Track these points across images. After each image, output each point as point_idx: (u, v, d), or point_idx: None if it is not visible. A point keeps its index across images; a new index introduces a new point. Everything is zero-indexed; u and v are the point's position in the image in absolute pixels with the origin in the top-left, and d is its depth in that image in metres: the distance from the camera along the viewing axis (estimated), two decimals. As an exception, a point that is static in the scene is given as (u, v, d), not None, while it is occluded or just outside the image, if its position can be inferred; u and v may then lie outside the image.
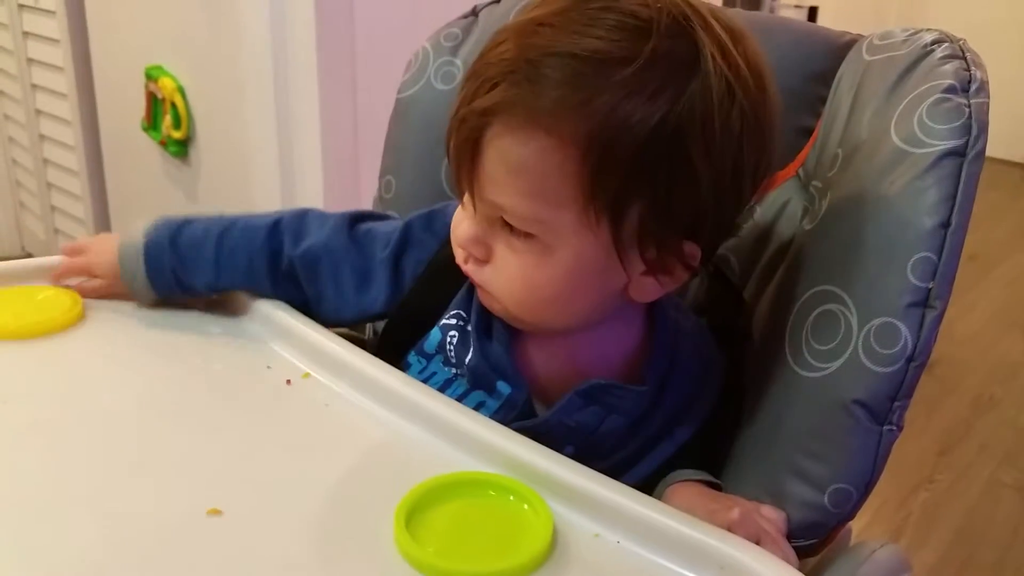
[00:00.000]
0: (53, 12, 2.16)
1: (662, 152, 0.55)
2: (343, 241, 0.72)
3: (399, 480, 0.52)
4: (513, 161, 0.56)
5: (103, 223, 2.32)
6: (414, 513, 0.50)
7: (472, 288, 0.66)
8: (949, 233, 0.58)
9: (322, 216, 0.74)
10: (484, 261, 0.61)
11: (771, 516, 0.59)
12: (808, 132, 0.75)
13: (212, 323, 0.72)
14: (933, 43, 0.66)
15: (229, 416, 0.61)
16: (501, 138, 0.56)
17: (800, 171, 0.75)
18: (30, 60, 2.34)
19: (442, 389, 0.67)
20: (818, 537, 0.61)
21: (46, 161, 2.45)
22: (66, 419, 0.59)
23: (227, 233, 0.72)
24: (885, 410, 0.58)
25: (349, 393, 0.62)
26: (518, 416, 0.65)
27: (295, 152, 1.62)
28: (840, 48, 0.75)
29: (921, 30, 0.69)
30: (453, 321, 0.68)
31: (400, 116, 0.87)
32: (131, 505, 0.51)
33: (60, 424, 0.59)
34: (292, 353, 0.67)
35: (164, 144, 1.91)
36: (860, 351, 0.59)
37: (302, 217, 0.74)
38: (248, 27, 1.58)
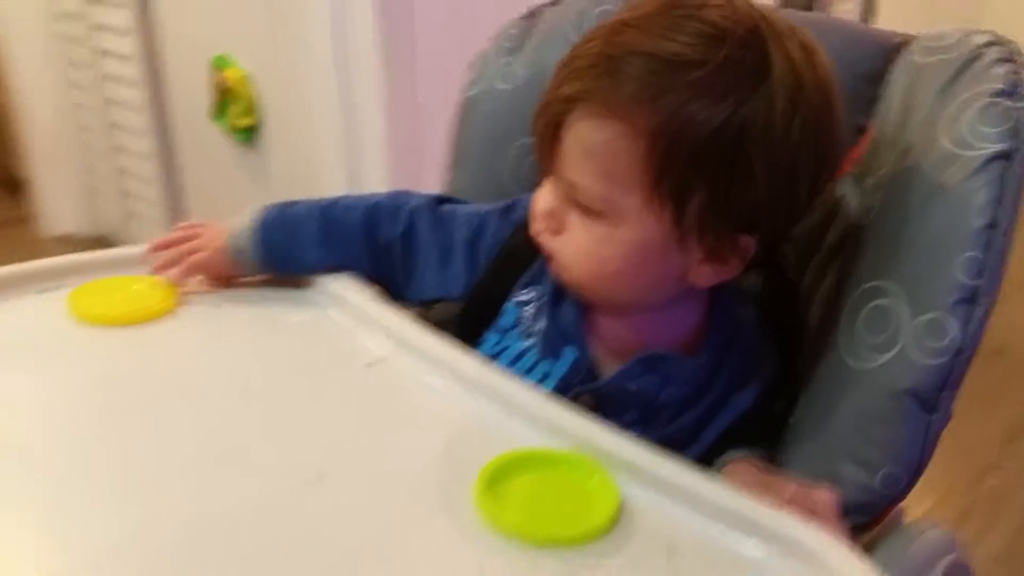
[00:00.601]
0: (123, 4, 2.24)
1: (723, 151, 0.59)
2: (429, 220, 0.77)
3: (480, 453, 0.57)
4: (589, 144, 0.62)
5: (175, 206, 2.40)
6: (493, 482, 0.54)
7: (545, 263, 0.71)
8: (996, 233, 0.61)
9: (415, 197, 0.79)
10: (557, 232, 0.67)
11: (824, 496, 0.62)
12: (861, 130, 0.77)
13: (296, 311, 0.78)
14: (985, 45, 0.69)
15: (319, 396, 0.66)
16: (580, 123, 0.62)
17: (855, 168, 0.78)
18: (101, 50, 2.41)
19: (513, 361, 0.72)
20: (869, 516, 0.65)
21: (119, 147, 2.53)
22: (166, 400, 0.65)
23: (330, 211, 0.78)
24: (934, 400, 0.62)
25: (430, 374, 0.67)
26: (582, 380, 0.70)
27: (360, 139, 1.67)
28: (891, 49, 0.78)
29: (973, 31, 0.72)
30: (527, 296, 0.74)
31: (464, 114, 0.92)
32: (238, 475, 0.57)
33: (161, 405, 0.64)
34: (374, 337, 0.72)
35: (232, 132, 1.98)
36: (911, 344, 0.62)
37: (396, 198, 0.79)
38: (310, 17, 1.64)
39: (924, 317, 0.62)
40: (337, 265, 0.78)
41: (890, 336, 0.63)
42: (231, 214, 2.03)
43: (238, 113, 1.94)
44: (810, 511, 0.59)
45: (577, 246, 0.66)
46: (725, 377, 0.70)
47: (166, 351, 0.72)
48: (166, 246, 0.80)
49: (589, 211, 0.64)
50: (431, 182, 0.96)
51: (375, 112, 1.62)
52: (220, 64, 1.94)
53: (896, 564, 0.61)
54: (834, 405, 0.67)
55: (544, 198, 0.67)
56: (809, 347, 0.72)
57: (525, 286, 0.74)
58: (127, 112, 2.42)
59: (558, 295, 0.72)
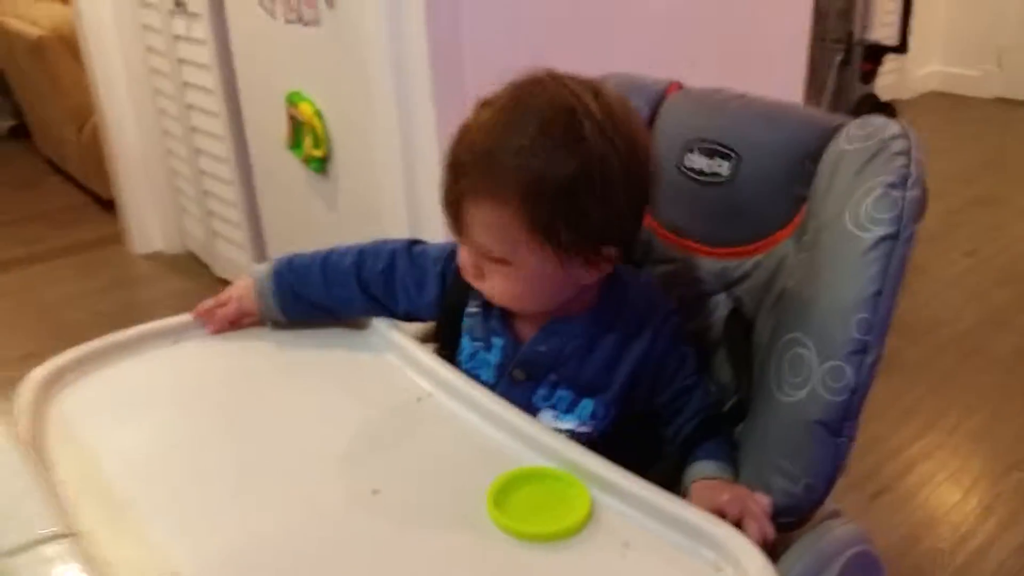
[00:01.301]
0: (204, 41, 2.44)
1: (565, 200, 0.81)
2: (406, 258, 1.00)
3: (491, 471, 0.78)
4: (481, 221, 0.84)
5: (254, 227, 2.60)
6: (500, 493, 0.75)
7: None
8: (883, 299, 0.80)
9: (393, 242, 1.02)
10: (479, 278, 0.89)
11: (760, 499, 0.82)
12: (801, 200, 0.95)
13: (361, 354, 1.00)
14: (891, 138, 0.86)
15: (377, 424, 0.88)
16: (472, 209, 0.84)
17: (795, 232, 0.96)
18: (185, 83, 2.63)
19: (469, 358, 0.96)
20: (796, 517, 0.84)
21: (202, 171, 2.74)
22: (262, 422, 0.88)
23: (328, 258, 1.01)
24: (838, 427, 0.82)
25: (459, 408, 0.88)
26: (510, 358, 0.93)
27: (416, 168, 1.85)
28: (830, 132, 0.94)
29: (888, 123, 0.89)
30: (472, 309, 0.96)
31: None
32: (315, 485, 0.79)
33: (258, 426, 0.87)
34: (421, 378, 0.94)
35: (306, 161, 2.16)
36: (819, 384, 0.82)
37: (378, 244, 1.02)
38: (374, 60, 1.81)
39: (828, 364, 0.81)
40: (336, 300, 1.01)
41: (805, 377, 0.83)
42: (305, 235, 2.30)
43: (310, 144, 2.11)
44: (741, 511, 0.79)
45: (496, 286, 0.88)
46: (619, 327, 0.91)
47: (262, 394, 0.94)
48: (207, 312, 1.02)
49: (497, 260, 0.85)
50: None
51: (430, 144, 1.80)
52: (294, 99, 2.12)
53: (808, 553, 0.80)
54: (767, 429, 0.86)
55: (464, 256, 0.89)
56: (756, 378, 0.92)
57: (471, 301, 0.97)
58: (210, 140, 2.62)
59: (487, 305, 0.94)
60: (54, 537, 0.48)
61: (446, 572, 0.70)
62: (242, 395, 0.94)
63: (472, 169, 0.83)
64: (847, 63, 3.34)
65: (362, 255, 1.01)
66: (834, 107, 3.38)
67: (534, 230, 0.82)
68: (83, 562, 0.47)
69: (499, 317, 0.95)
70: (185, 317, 1.02)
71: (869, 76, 3.31)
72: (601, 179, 0.82)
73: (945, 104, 4.88)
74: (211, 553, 0.71)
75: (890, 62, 4.21)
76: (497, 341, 0.94)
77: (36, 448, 0.77)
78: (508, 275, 0.86)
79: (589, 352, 0.91)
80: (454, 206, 0.86)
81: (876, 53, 3.30)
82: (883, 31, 3.48)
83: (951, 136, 4.26)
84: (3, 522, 0.49)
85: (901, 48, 3.26)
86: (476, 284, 0.90)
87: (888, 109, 3.19)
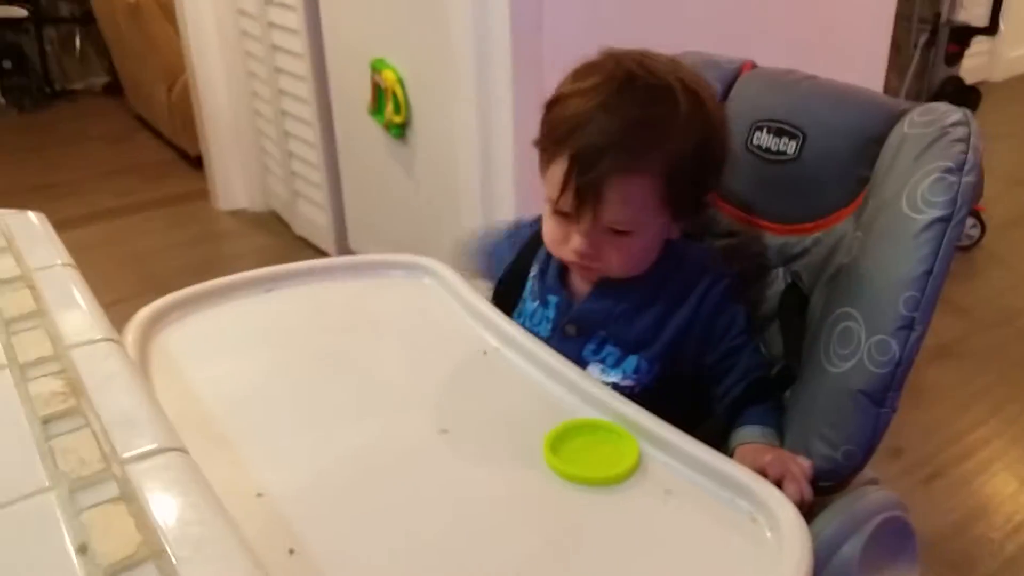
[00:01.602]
0: (294, 7, 2.52)
1: (692, 168, 0.91)
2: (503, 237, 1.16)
3: (548, 420, 0.84)
4: (626, 195, 0.90)
5: (335, 189, 2.69)
6: (557, 441, 0.82)
7: (547, 256, 1.03)
8: (931, 278, 0.84)
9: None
10: (596, 259, 0.94)
11: (801, 463, 0.87)
12: (865, 181, 0.98)
13: (435, 316, 1.07)
14: (951, 125, 0.90)
15: (447, 373, 0.95)
16: (619, 186, 0.89)
17: (856, 211, 1.00)
18: (274, 46, 2.71)
19: (531, 316, 1.04)
20: (835, 481, 0.89)
21: (287, 133, 2.83)
22: (347, 366, 0.96)
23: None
24: (881, 397, 0.86)
25: (521, 362, 0.95)
26: (564, 314, 1.01)
27: (492, 136, 1.91)
28: (894, 116, 0.97)
29: (951, 110, 0.92)
30: (533, 272, 1.06)
31: None
32: (389, 424, 0.86)
33: (342, 369, 0.95)
34: (488, 333, 1.01)
35: (386, 127, 2.24)
36: (865, 357, 0.86)
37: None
38: (456, 30, 1.87)
39: (875, 338, 0.85)
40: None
41: (853, 349, 0.87)
42: (382, 197, 2.38)
43: (391, 111, 2.19)
44: (782, 472, 0.84)
45: (618, 259, 0.95)
46: (668, 292, 0.98)
47: (344, 341, 1.02)
48: None
49: (621, 233, 0.92)
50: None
51: (506, 116, 1.86)
52: (378, 66, 2.19)
53: (842, 514, 0.85)
54: (813, 397, 0.91)
55: (576, 240, 0.94)
56: (807, 348, 0.96)
57: (534, 266, 1.06)
58: (296, 103, 2.71)
59: (544, 267, 1.04)
60: (170, 449, 0.55)
61: (505, 509, 0.77)
62: (325, 340, 1.02)
63: (615, 149, 0.88)
64: (932, 44, 3.28)
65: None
66: (916, 89, 3.33)
67: (667, 199, 0.92)
68: (196, 473, 0.54)
69: (556, 276, 1.03)
70: (277, 268, 1.10)
71: (954, 58, 3.25)
72: (710, 149, 0.93)
73: (1037, 87, 4.76)
74: (292, 477, 0.79)
75: (980, 44, 4.12)
76: (552, 299, 1.02)
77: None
78: (626, 246, 0.94)
79: (637, 313, 0.98)
80: (592, 187, 0.89)
81: (964, 35, 3.23)
82: (974, 11, 3.40)
83: (1040, 120, 4.17)
84: (124, 432, 0.56)
85: (991, 30, 3.19)
86: (588, 265, 0.96)
87: (973, 92, 3.13)
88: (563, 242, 0.96)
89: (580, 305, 1.01)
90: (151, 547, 0.46)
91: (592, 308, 1.00)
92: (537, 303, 1.04)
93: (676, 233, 0.98)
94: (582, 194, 0.90)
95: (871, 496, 0.87)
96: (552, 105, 0.95)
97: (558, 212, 0.95)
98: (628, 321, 0.98)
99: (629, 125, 0.88)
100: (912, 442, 1.94)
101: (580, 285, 1.02)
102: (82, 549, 0.45)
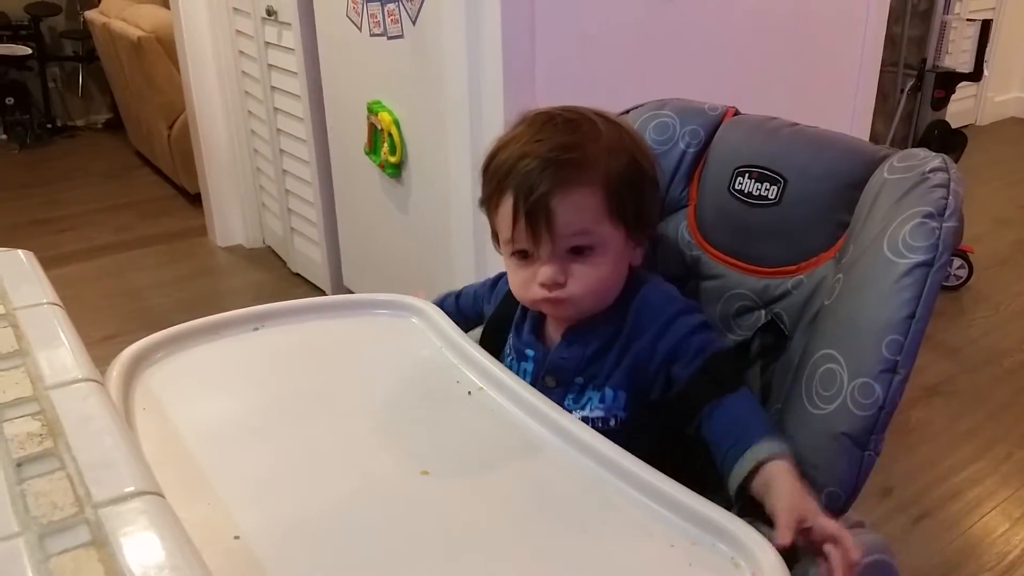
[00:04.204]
0: (293, 49, 2.56)
1: (632, 182, 0.96)
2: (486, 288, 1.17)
3: (532, 461, 0.85)
4: (576, 206, 0.93)
5: (330, 227, 2.71)
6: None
7: (522, 311, 1.06)
8: (915, 322, 0.84)
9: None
10: (563, 286, 0.95)
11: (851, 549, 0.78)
12: (844, 225, 0.99)
13: (422, 348, 1.07)
14: (931, 171, 0.91)
15: (432, 413, 0.95)
16: (564, 199, 0.92)
17: (837, 254, 1.00)
18: (273, 87, 2.75)
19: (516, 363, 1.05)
20: (819, 523, 0.89)
21: (284, 171, 2.86)
22: (324, 410, 0.95)
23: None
24: (864, 440, 0.86)
25: (506, 403, 0.95)
26: (541, 366, 1.02)
27: None
28: (875, 162, 0.99)
29: (930, 156, 0.94)
30: (511, 330, 1.07)
31: None
32: (371, 466, 0.86)
33: (320, 413, 0.95)
34: (474, 373, 1.01)
35: (382, 166, 2.26)
36: (848, 399, 0.86)
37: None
38: (450, 74, 1.90)
39: (858, 380, 0.86)
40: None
41: (835, 392, 0.87)
42: (378, 235, 2.40)
43: (387, 151, 2.21)
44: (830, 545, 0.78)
45: (586, 280, 0.96)
46: (631, 321, 0.98)
47: (331, 380, 1.02)
48: None
49: (583, 251, 0.95)
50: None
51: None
52: (374, 108, 2.22)
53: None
54: (795, 438, 0.90)
55: (543, 269, 0.95)
56: (788, 391, 0.96)
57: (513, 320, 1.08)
58: (294, 142, 2.75)
59: (520, 323, 1.06)
60: (146, 493, 0.55)
61: (485, 549, 0.77)
62: (310, 380, 1.02)
63: (551, 168, 0.92)
64: (918, 90, 3.33)
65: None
66: (903, 134, 3.37)
67: (612, 210, 0.95)
68: (171, 517, 0.54)
69: (531, 329, 1.05)
70: (265, 307, 1.11)
71: (940, 103, 3.29)
72: (640, 165, 0.98)
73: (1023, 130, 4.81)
74: (270, 519, 0.78)
75: (966, 89, 4.18)
76: (529, 353, 1.04)
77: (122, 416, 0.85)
78: (592, 265, 0.95)
79: (607, 351, 0.99)
80: (537, 208, 0.92)
81: (949, 80, 3.27)
82: (959, 58, 3.46)
83: (1028, 164, 4.21)
84: (99, 474, 0.56)
85: (975, 76, 3.23)
86: (554, 297, 0.96)
87: (959, 136, 3.17)
88: (530, 281, 0.97)
89: (552, 355, 1.01)
90: (119, 593, 0.46)
91: (564, 356, 1.00)
92: (514, 358, 1.06)
93: (638, 259, 1.01)
94: (533, 218, 0.93)
95: (856, 539, 0.87)
96: (487, 163, 1.00)
97: (516, 253, 0.98)
98: (600, 360, 0.99)
99: (557, 147, 0.93)
100: (901, 482, 1.93)
101: (553, 334, 1.03)
102: (48, 595, 0.45)
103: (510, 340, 1.08)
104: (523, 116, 0.99)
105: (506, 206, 0.95)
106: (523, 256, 0.97)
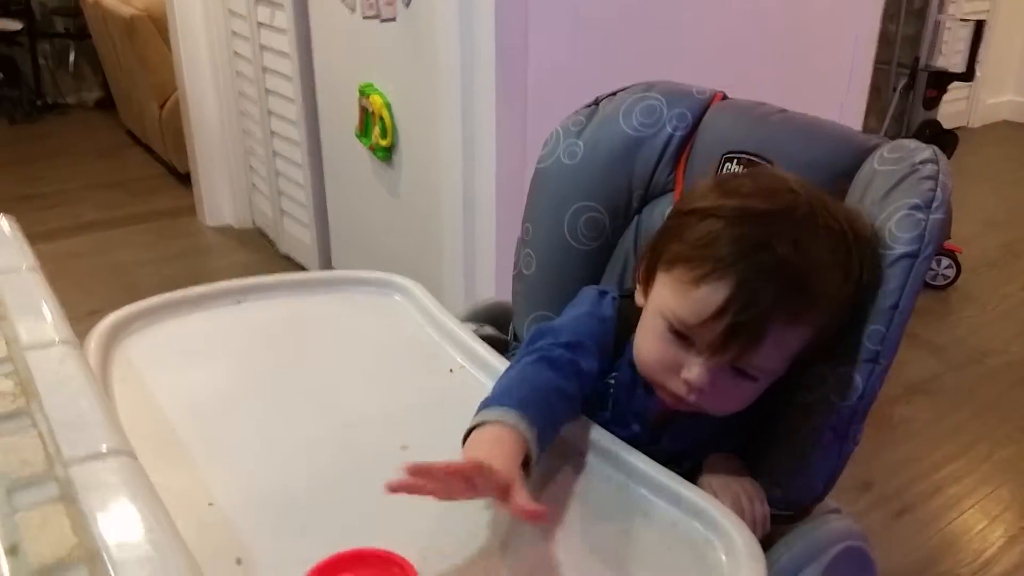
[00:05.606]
0: (285, 30, 2.54)
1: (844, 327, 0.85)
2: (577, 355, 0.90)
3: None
4: (783, 342, 0.82)
5: (320, 208, 2.70)
6: None
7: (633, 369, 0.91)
8: (896, 313, 0.84)
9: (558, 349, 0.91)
10: (705, 392, 0.83)
11: (761, 510, 0.85)
12: None
13: (403, 332, 1.07)
14: (921, 163, 0.90)
15: (412, 389, 0.95)
16: (782, 331, 0.81)
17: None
18: (265, 68, 2.73)
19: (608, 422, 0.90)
20: (794, 511, 0.89)
21: (275, 153, 2.84)
22: (310, 384, 0.95)
23: (550, 388, 0.85)
24: (844, 430, 0.86)
25: (487, 381, 0.94)
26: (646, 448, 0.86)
27: (476, 163, 1.93)
28: (865, 151, 0.98)
29: (920, 147, 0.93)
30: (612, 381, 0.94)
31: (537, 181, 1.14)
32: (353, 439, 0.86)
33: (305, 387, 0.95)
34: (455, 351, 1.01)
35: (373, 149, 2.25)
36: (830, 389, 0.86)
37: (553, 355, 0.88)
38: (442, 57, 1.89)
39: (839, 370, 0.85)
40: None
41: (816, 381, 0.87)
42: (367, 218, 2.38)
43: (378, 134, 2.20)
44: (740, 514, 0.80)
45: (731, 401, 0.86)
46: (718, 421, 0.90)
47: (312, 354, 1.02)
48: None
49: (747, 376, 0.83)
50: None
51: (490, 140, 1.88)
52: (366, 91, 2.21)
53: (800, 541, 0.85)
54: (775, 426, 0.90)
55: (698, 371, 0.82)
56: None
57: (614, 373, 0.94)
58: (285, 124, 2.73)
59: (631, 382, 0.93)
60: (118, 452, 0.55)
61: (461, 525, 0.76)
62: (291, 353, 1.02)
63: (795, 291, 0.79)
64: (910, 88, 3.34)
65: (562, 367, 0.87)
66: (895, 131, 3.37)
67: (803, 351, 0.84)
68: (143, 478, 0.53)
69: (641, 398, 0.92)
70: (249, 280, 1.10)
71: (932, 103, 3.30)
72: (859, 296, 0.85)
73: (1015, 134, 4.84)
74: (245, 487, 0.78)
75: (960, 90, 4.18)
76: (634, 427, 0.93)
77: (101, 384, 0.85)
78: (747, 389, 0.85)
79: (726, 435, 0.93)
80: (750, 326, 0.79)
81: (941, 80, 3.28)
82: (952, 58, 3.47)
83: (1018, 166, 4.22)
84: (71, 434, 0.56)
85: (967, 76, 3.24)
86: (693, 398, 0.84)
87: (950, 136, 3.18)
88: (674, 370, 0.85)
89: (664, 444, 0.91)
90: (86, 549, 0.45)
91: (668, 443, 0.92)
92: (610, 415, 0.93)
93: None
94: (735, 331, 0.80)
95: (831, 525, 0.87)
96: (703, 214, 0.84)
97: (675, 333, 0.84)
98: (717, 445, 0.93)
99: (814, 267, 0.80)
100: (882, 476, 1.94)
101: (660, 415, 0.92)
102: (12, 550, 0.45)
103: (612, 393, 0.94)
104: (770, 178, 0.87)
105: (710, 290, 0.80)
106: (680, 336, 0.84)
